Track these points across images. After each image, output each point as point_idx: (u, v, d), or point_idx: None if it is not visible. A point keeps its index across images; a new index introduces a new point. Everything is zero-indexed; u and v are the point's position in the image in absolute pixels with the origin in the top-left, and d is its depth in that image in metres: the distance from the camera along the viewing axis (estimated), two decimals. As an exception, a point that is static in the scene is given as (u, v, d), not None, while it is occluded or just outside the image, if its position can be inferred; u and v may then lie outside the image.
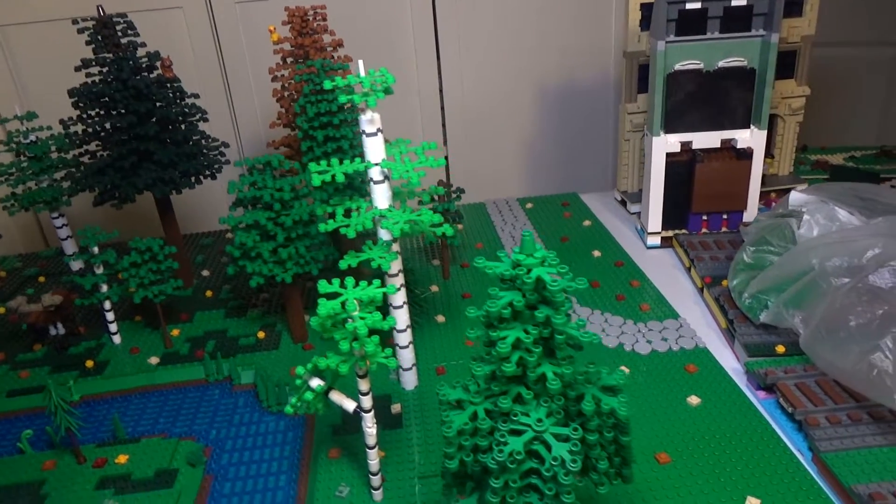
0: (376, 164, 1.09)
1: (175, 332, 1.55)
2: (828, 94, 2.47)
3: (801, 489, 1.02)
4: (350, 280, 0.92)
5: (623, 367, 1.32)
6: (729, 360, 1.36)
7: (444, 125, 2.28)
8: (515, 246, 1.88)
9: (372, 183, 1.11)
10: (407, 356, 1.28)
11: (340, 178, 1.08)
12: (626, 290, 1.61)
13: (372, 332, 0.89)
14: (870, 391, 1.08)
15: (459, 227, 1.81)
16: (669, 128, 1.77)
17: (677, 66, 1.72)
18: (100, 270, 1.45)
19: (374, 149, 1.08)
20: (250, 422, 1.29)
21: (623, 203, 2.17)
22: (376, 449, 1.02)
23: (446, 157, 2.32)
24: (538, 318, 0.69)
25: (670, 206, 1.84)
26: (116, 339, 1.54)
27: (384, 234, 1.14)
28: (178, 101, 1.52)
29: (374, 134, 1.07)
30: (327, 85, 1.07)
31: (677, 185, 1.81)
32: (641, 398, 1.24)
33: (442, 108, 2.26)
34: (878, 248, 1.18)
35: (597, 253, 1.81)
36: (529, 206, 2.17)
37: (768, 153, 2.09)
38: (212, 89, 2.08)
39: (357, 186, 1.30)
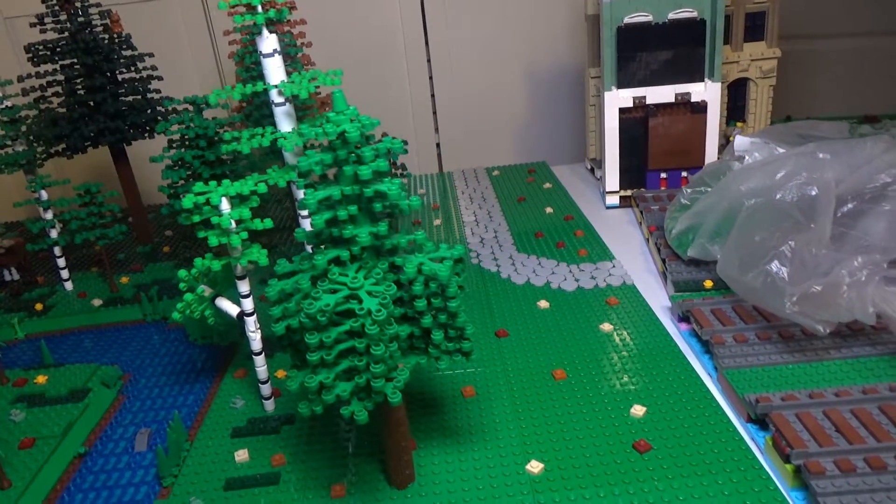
0: (275, 86, 1.12)
1: (124, 280, 1.61)
2: (811, 64, 2.42)
3: (698, 404, 0.99)
4: (226, 181, 0.94)
5: (542, 302, 1.31)
6: (661, 300, 1.33)
7: (434, 111, 2.31)
8: (471, 211, 1.89)
9: (273, 106, 1.14)
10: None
11: (236, 97, 1.11)
12: (569, 240, 1.60)
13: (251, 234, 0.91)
14: (767, 301, 1.05)
15: (404, 179, 1.82)
16: (622, 82, 1.76)
17: (626, 20, 1.71)
18: (48, 216, 1.51)
19: (273, 70, 1.11)
20: (174, 353, 1.32)
21: (591, 171, 2.16)
22: (262, 356, 1.04)
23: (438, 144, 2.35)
24: (346, 174, 0.71)
25: (627, 165, 1.82)
26: (68, 285, 1.60)
27: (289, 158, 1.17)
28: (122, 54, 1.58)
29: (271, 55, 1.10)
30: (237, 20, 1.12)
31: (633, 142, 1.79)
32: (553, 326, 1.23)
33: (432, 96, 2.29)
34: (789, 166, 1.15)
35: (549, 210, 1.80)
36: (496, 173, 2.17)
37: (740, 117, 2.05)
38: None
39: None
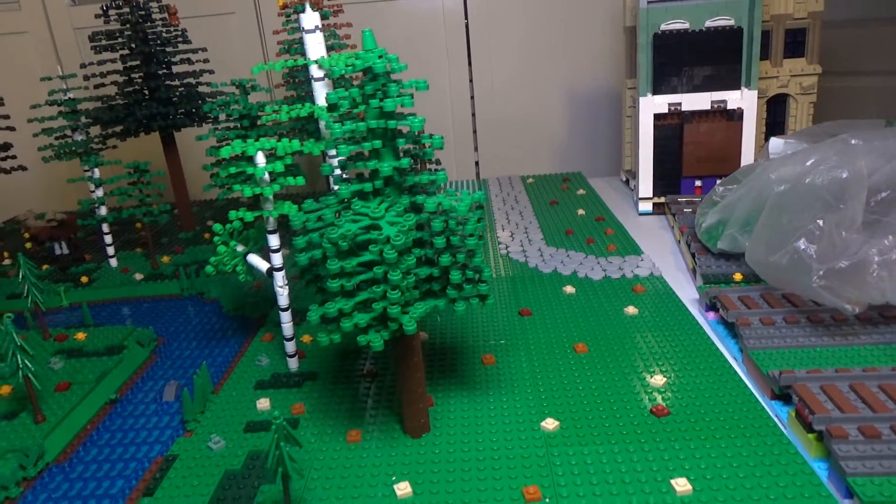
0: (315, 62, 1.18)
1: (165, 259, 1.67)
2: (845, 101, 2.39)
3: (720, 378, 0.98)
4: (262, 139, 0.99)
5: (568, 287, 1.32)
6: (690, 294, 1.32)
7: (474, 130, 2.37)
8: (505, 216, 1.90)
9: (312, 80, 1.19)
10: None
11: (277, 69, 1.17)
12: (599, 237, 1.61)
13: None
14: (793, 279, 1.03)
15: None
16: (657, 89, 1.78)
17: (663, 27, 1.74)
18: (99, 193, 1.59)
19: (313, 45, 1.17)
20: (207, 322, 1.37)
21: (627, 182, 2.16)
22: (289, 312, 1.07)
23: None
24: (372, 106, 0.74)
25: (662, 172, 1.82)
26: (113, 262, 1.67)
27: (325, 131, 1.22)
28: (178, 46, 1.68)
29: (313, 31, 1.16)
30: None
31: (668, 149, 1.80)
32: (577, 308, 1.23)
33: (473, 115, 2.36)
34: (820, 153, 1.15)
35: (581, 212, 1.81)
36: (530, 181, 2.20)
37: (780, 133, 2.04)
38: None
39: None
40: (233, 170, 0.98)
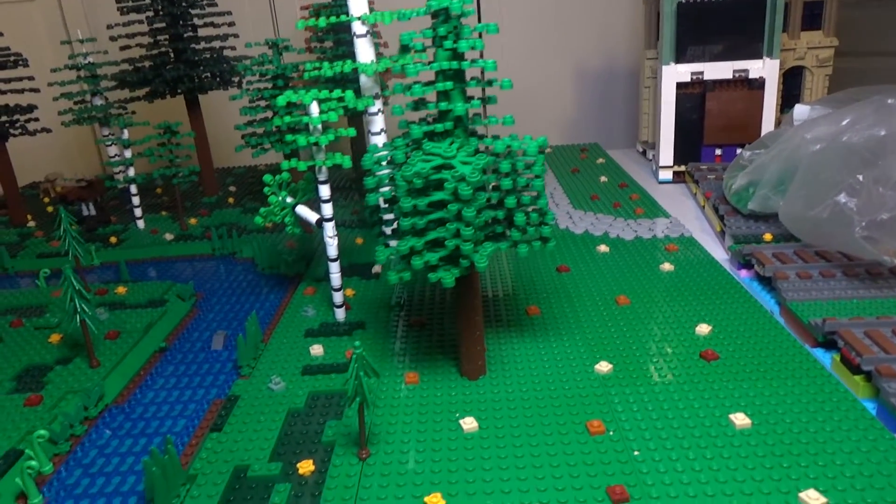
0: (358, 18, 1.18)
1: (193, 221, 1.68)
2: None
3: (762, 326, 1.01)
4: (313, 90, 1.00)
5: (602, 246, 1.34)
6: (720, 256, 1.35)
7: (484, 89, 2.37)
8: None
9: (355, 37, 1.20)
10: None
11: (322, 24, 1.17)
12: (624, 202, 1.63)
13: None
14: (833, 232, 1.06)
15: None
16: (680, 57, 1.79)
17: (687, -4, 1.74)
18: (128, 154, 1.59)
19: (356, 3, 1.17)
20: (243, 280, 1.38)
21: (643, 153, 2.18)
22: (338, 262, 1.08)
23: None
24: (445, 47, 0.75)
25: (683, 140, 1.84)
26: (140, 223, 1.67)
27: (366, 87, 1.22)
28: (204, 8, 1.67)
29: (357, -14, 1.16)
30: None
31: (689, 118, 1.82)
32: (614, 265, 1.25)
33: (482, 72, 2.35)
34: (856, 112, 1.17)
35: (603, 178, 1.83)
36: (548, 150, 2.21)
37: (794, 105, 2.06)
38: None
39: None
40: (288, 119, 0.99)
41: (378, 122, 1.26)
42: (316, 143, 0.99)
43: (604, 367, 0.91)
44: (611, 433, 0.78)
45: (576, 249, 1.34)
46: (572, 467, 0.73)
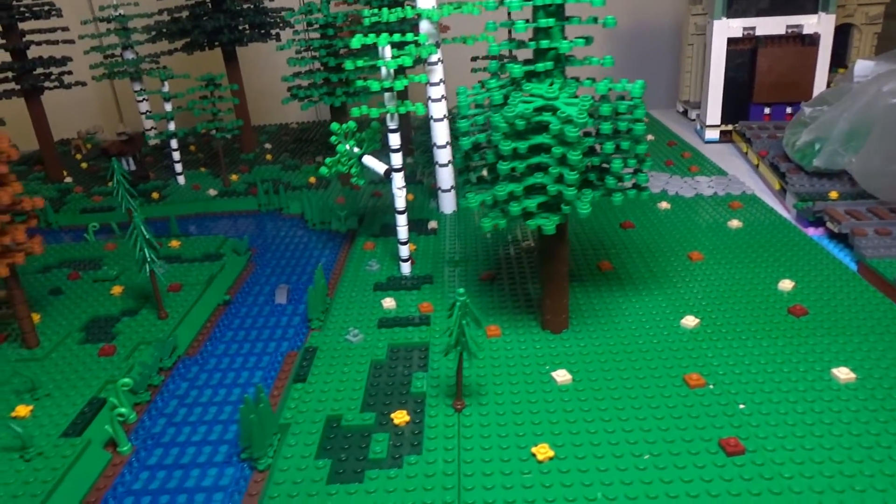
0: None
1: (234, 177, 1.64)
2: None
3: (847, 283, 0.98)
4: (384, 35, 0.96)
5: (663, 203, 1.31)
6: (781, 213, 1.31)
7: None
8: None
9: (418, -19, 1.15)
10: (445, 176, 1.31)
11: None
12: (677, 160, 1.59)
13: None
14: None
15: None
16: (732, 12, 1.73)
17: (741, -52, 1.68)
18: (168, 108, 1.55)
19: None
20: (294, 236, 1.36)
21: (685, 113, 2.13)
22: (405, 215, 1.05)
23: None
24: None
25: (731, 98, 1.79)
26: (181, 179, 1.64)
27: (428, 34, 1.17)
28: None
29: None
30: None
31: (738, 75, 1.76)
32: (678, 222, 1.22)
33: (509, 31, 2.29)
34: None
35: (650, 137, 1.79)
36: (587, 110, 2.16)
37: (841, 64, 2.00)
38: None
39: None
40: (360, 63, 0.95)
41: (438, 72, 1.21)
42: (390, 89, 0.95)
43: (690, 321, 0.88)
44: (711, 386, 0.76)
45: (636, 206, 1.31)
46: (678, 420, 0.71)
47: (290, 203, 1.48)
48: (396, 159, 1.02)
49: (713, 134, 1.82)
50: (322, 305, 1.00)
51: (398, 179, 1.03)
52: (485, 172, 0.80)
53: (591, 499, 0.62)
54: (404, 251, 1.08)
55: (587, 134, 0.79)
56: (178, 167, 1.63)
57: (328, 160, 1.06)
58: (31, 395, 0.81)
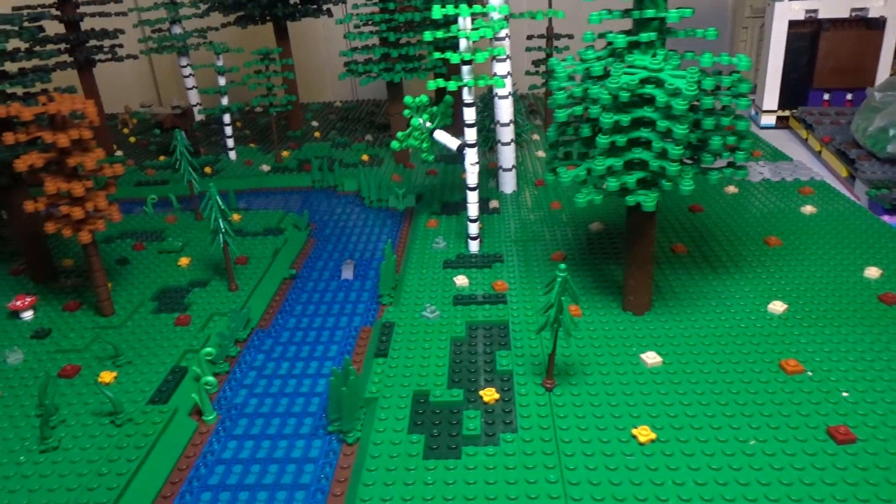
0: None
1: (285, 153, 1.63)
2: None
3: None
4: (463, 6, 0.93)
5: (730, 188, 1.27)
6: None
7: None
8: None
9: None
10: (507, 155, 1.29)
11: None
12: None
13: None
14: None
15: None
16: (795, -6, 1.67)
17: (807, -74, 1.62)
18: (222, 82, 1.54)
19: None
20: (351, 213, 1.34)
21: (735, 98, 2.08)
22: (476, 192, 1.03)
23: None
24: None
25: (789, 83, 1.74)
26: (232, 154, 1.63)
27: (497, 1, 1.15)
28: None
29: None
30: None
31: (798, 59, 1.71)
32: (748, 206, 1.19)
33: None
34: None
35: (706, 121, 1.75)
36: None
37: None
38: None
39: None
40: (440, 34, 0.93)
41: (505, 48, 1.19)
42: (469, 62, 0.93)
43: (778, 307, 0.86)
44: (809, 374, 0.73)
45: (703, 190, 1.28)
46: (780, 406, 0.69)
47: (345, 180, 1.46)
48: (471, 134, 1.00)
49: (769, 119, 1.78)
50: (392, 282, 0.99)
51: (471, 155, 1.01)
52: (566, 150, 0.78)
53: (700, 482, 0.60)
54: (473, 229, 1.06)
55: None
56: (230, 142, 1.62)
57: (399, 134, 1.04)
58: (114, 362, 0.81)
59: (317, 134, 1.80)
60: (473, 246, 1.07)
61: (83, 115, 0.81)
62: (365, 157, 1.58)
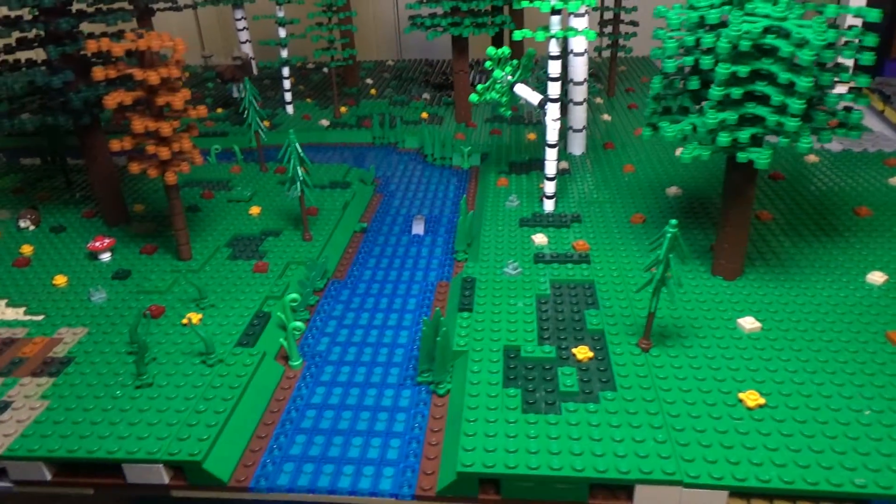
0: None
1: (343, 109, 1.61)
2: None
3: None
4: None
5: (811, 157, 1.22)
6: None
7: None
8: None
9: None
10: (579, 115, 1.25)
11: None
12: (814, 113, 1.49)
13: None
14: None
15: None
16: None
17: None
18: (282, 34, 1.51)
19: None
20: (414, 170, 1.32)
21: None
22: (556, 149, 1.00)
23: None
24: None
25: (866, 53, 1.66)
26: (289, 109, 1.61)
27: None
28: None
29: None
30: None
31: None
32: (833, 176, 1.14)
33: None
34: None
35: (776, 90, 1.68)
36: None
37: None
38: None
39: None
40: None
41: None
42: (559, 11, 0.89)
43: (877, 277, 0.82)
44: (920, 345, 0.70)
45: (781, 158, 1.23)
46: (891, 377, 0.66)
47: (407, 137, 1.44)
48: (554, 88, 0.96)
49: (840, 89, 1.70)
50: (468, 238, 0.97)
51: (553, 110, 0.98)
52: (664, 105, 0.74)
53: (816, 450, 0.58)
54: (550, 187, 1.03)
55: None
56: (288, 96, 1.60)
57: (479, 87, 1.01)
58: (197, 305, 0.80)
59: (373, 91, 1.78)
60: (548, 205, 1.04)
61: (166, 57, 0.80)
62: (425, 115, 1.55)
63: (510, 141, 1.37)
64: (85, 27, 0.94)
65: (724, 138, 0.69)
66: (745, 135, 0.69)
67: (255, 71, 1.66)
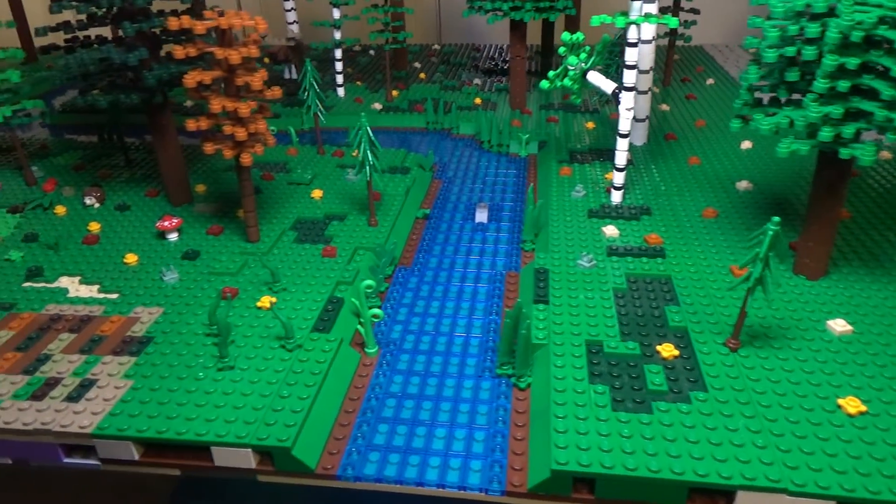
0: None
1: (394, 93, 1.59)
2: None
3: None
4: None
5: (885, 153, 1.18)
6: None
7: None
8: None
9: None
10: (641, 105, 1.22)
11: None
12: (879, 109, 1.44)
13: None
14: None
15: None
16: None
17: None
18: (337, 15, 1.49)
19: None
20: (470, 156, 1.30)
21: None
22: (627, 140, 0.98)
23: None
24: None
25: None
26: (341, 91, 1.60)
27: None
28: None
29: None
30: None
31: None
32: (910, 173, 1.10)
33: None
34: None
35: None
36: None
37: None
38: None
39: None
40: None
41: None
42: (644, -4, 0.87)
43: (971, 281, 0.79)
44: None
45: (852, 154, 1.19)
46: None
47: (462, 123, 1.42)
48: (629, 77, 0.94)
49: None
50: (536, 227, 0.96)
51: (627, 99, 0.95)
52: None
53: (926, 461, 0.55)
54: (619, 178, 1.01)
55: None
56: (339, 79, 1.59)
57: (551, 73, 0.99)
58: (270, 288, 0.80)
59: (422, 75, 1.76)
60: (616, 196, 1.02)
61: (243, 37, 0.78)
62: (478, 101, 1.53)
63: (568, 129, 1.35)
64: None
65: (826, 133, 0.66)
66: (849, 130, 0.66)
67: (306, 51, 1.64)
